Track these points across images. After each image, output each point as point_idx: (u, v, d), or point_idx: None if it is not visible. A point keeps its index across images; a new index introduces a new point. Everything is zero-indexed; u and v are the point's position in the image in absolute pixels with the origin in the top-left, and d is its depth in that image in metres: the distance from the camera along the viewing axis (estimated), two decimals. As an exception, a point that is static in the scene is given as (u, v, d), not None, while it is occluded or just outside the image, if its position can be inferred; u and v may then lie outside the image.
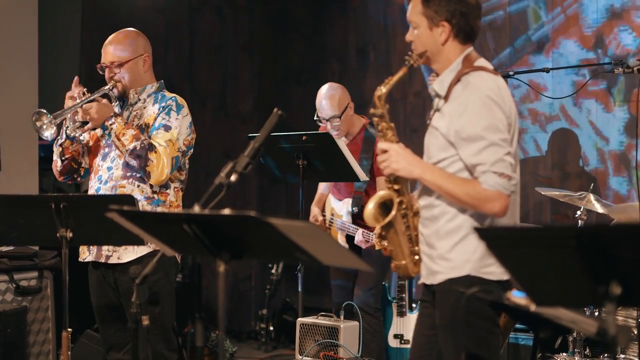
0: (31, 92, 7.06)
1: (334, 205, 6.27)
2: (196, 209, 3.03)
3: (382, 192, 3.70)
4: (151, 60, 4.86)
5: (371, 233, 5.78)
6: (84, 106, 4.61)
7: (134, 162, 4.57)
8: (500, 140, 3.48)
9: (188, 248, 3.36)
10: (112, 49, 4.77)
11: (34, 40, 7.13)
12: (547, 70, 5.78)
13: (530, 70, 6.41)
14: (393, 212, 3.64)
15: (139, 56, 4.79)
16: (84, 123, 4.65)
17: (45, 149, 4.97)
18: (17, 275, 5.94)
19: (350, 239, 6.08)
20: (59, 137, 4.76)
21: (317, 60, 8.77)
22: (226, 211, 2.89)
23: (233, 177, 3.28)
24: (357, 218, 6.03)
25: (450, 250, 3.57)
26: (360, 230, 5.93)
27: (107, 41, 4.82)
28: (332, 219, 6.22)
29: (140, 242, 4.11)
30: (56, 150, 4.81)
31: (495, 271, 3.53)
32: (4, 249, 5.77)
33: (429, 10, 3.62)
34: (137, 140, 4.56)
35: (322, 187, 6.44)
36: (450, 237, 3.57)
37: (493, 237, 2.79)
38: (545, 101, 7.05)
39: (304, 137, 5.57)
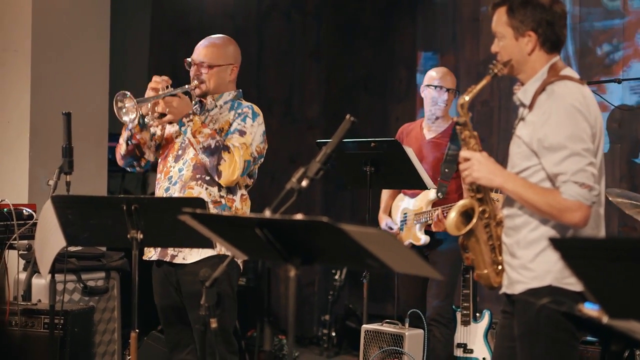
0: (102, 94, 7.13)
1: (406, 205, 6.20)
2: (267, 213, 3.03)
3: (463, 201, 3.70)
4: (238, 71, 4.91)
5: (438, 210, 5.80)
6: (166, 98, 4.63)
7: (206, 160, 4.58)
8: (582, 150, 3.45)
9: (259, 252, 3.37)
10: (206, 50, 4.80)
11: (105, 44, 7.20)
12: (619, 81, 5.71)
13: (601, 80, 6.36)
14: (474, 220, 3.64)
15: (229, 64, 4.85)
16: (162, 115, 4.67)
17: (114, 151, 4.99)
18: (85, 275, 6.01)
19: (431, 236, 6.02)
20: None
21: (385, 67, 8.75)
22: (298, 216, 2.88)
23: (304, 183, 3.28)
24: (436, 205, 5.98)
25: (532, 260, 3.55)
26: (436, 213, 5.85)
27: (202, 41, 4.86)
28: (405, 218, 6.15)
29: (209, 244, 4.12)
30: (124, 133, 4.81)
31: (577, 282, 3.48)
32: (73, 249, 5.83)
33: (514, 21, 3.59)
34: (212, 139, 4.57)
35: (386, 194, 6.40)
36: (532, 247, 3.55)
37: (568, 247, 2.75)
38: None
39: (372, 144, 5.56)
